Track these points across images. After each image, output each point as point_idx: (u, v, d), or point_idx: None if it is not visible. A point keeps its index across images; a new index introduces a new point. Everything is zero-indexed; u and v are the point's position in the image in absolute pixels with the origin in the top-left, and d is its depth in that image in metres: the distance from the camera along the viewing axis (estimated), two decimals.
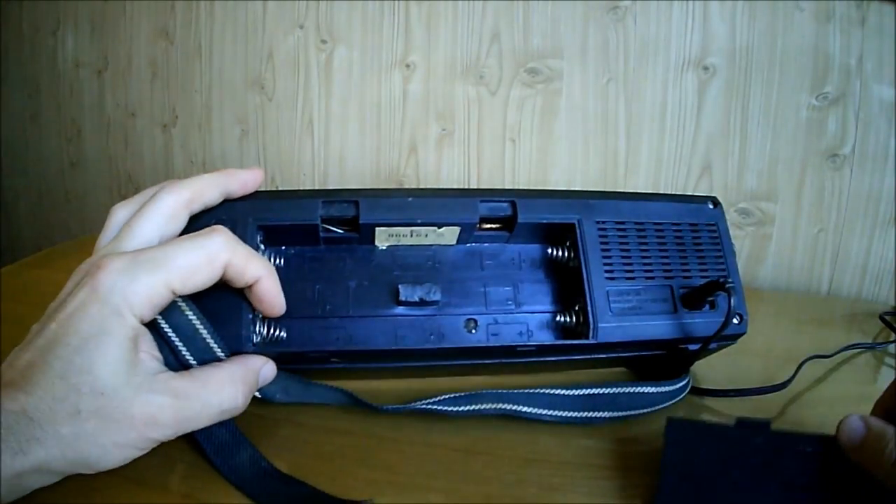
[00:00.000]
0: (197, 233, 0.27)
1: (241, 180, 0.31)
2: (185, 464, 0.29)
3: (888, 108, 0.64)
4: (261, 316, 0.31)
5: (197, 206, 0.29)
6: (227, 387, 0.27)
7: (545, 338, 0.35)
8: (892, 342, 0.51)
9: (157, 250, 0.26)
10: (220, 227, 0.28)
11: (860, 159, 0.66)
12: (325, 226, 0.33)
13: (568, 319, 0.35)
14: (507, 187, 0.74)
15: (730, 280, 0.33)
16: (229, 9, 0.79)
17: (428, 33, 0.73)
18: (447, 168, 0.76)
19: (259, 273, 0.28)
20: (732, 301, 0.33)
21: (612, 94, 0.70)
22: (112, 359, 0.23)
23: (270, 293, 0.29)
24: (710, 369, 0.38)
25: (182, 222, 0.28)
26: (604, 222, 0.35)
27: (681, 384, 0.36)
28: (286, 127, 0.80)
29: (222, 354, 0.28)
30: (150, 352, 0.26)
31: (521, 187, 0.74)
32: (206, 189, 0.29)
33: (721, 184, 0.69)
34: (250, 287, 0.29)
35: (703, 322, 0.35)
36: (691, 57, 0.68)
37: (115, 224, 0.28)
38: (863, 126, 0.65)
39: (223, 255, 0.27)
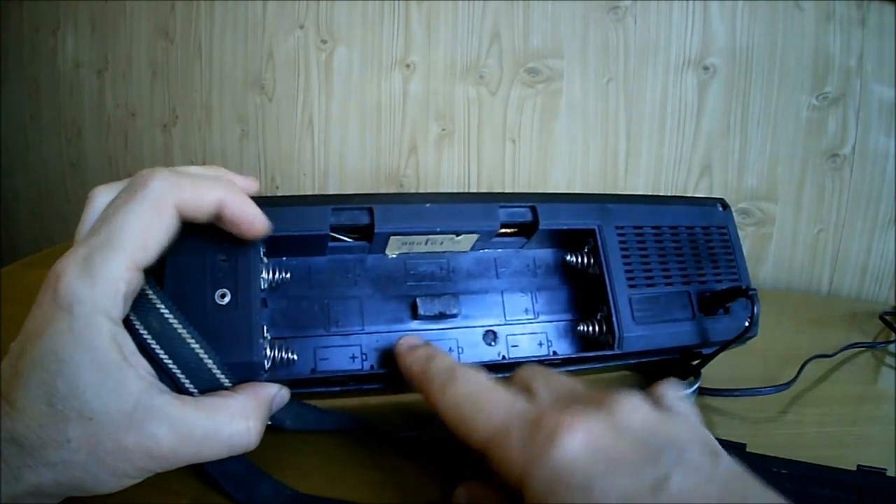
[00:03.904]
0: (127, 188, 0.24)
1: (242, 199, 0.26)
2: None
3: (888, 108, 0.64)
4: (270, 338, 0.28)
5: (191, 212, 0.24)
6: (237, 421, 0.24)
7: (566, 349, 0.34)
8: (892, 342, 0.51)
9: (103, 231, 0.23)
10: (146, 170, 0.24)
11: (860, 159, 0.66)
12: (332, 234, 0.30)
13: (590, 329, 0.34)
14: (507, 187, 0.74)
15: (751, 287, 0.33)
16: (229, 9, 0.79)
17: (428, 33, 0.73)
18: (447, 168, 0.76)
19: (218, 195, 0.24)
20: (756, 309, 0.32)
21: (612, 94, 0.70)
22: (95, 380, 0.21)
23: (243, 211, 0.25)
24: (712, 369, 0.38)
25: (170, 224, 0.24)
26: (622, 227, 0.34)
27: (697, 385, 0.36)
28: (286, 127, 0.80)
29: (228, 382, 0.25)
30: (140, 365, 0.23)
31: (521, 188, 0.74)
32: (206, 194, 0.24)
33: (721, 184, 0.69)
34: (219, 215, 0.25)
35: (718, 327, 0.35)
36: (691, 57, 0.68)
37: (95, 211, 0.25)
38: (863, 126, 0.65)
39: (168, 198, 0.23)
